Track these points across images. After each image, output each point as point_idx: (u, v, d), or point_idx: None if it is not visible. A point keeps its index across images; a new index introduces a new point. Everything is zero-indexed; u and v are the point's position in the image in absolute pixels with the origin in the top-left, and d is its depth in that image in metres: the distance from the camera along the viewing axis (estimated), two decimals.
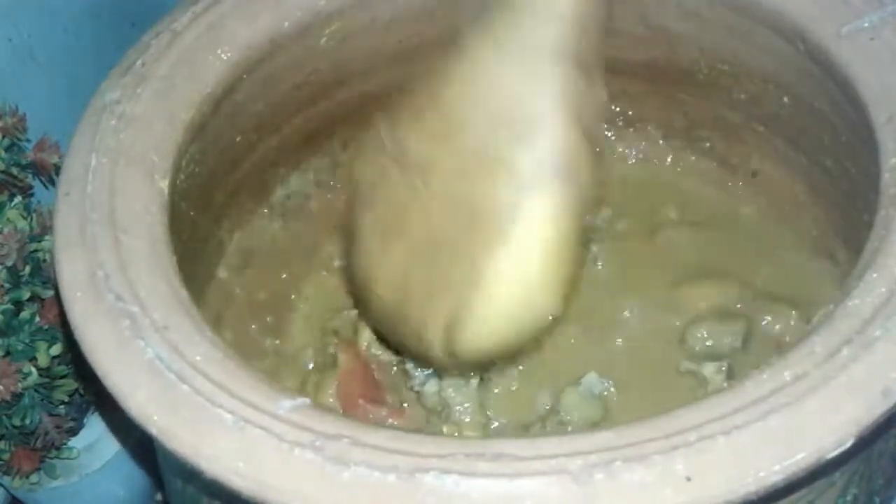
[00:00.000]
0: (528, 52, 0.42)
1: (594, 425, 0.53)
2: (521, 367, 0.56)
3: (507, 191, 0.42)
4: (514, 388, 0.56)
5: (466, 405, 0.54)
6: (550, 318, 0.44)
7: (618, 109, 0.66)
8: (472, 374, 0.54)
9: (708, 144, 0.63)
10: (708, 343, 0.56)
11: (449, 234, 0.44)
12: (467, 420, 0.54)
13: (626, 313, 0.58)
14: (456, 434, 0.53)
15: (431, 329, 0.45)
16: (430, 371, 0.55)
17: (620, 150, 0.66)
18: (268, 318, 0.61)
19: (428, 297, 0.45)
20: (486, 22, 0.44)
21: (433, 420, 0.55)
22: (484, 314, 0.43)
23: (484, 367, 0.55)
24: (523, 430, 0.55)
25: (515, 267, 0.42)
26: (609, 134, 0.67)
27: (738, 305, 0.57)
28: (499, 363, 0.55)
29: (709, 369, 0.54)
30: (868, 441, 0.37)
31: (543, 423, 0.54)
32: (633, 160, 0.66)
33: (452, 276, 0.44)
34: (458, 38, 0.44)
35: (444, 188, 0.44)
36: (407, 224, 0.45)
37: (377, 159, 0.47)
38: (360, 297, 0.51)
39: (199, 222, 0.54)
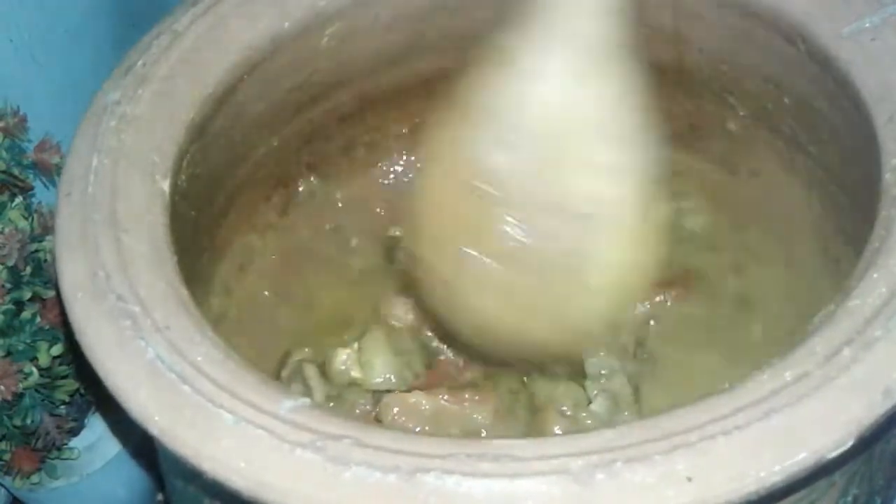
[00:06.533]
0: (580, 50, 0.43)
1: None
2: None
3: (594, 185, 0.43)
4: None
5: None
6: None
7: None
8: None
9: (708, 145, 0.63)
10: None
11: (541, 235, 0.44)
12: None
13: None
14: None
15: (557, 334, 0.46)
16: None
17: None
18: (267, 318, 0.61)
19: (536, 306, 0.46)
20: (527, 25, 0.44)
21: None
22: (591, 302, 0.44)
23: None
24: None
25: (615, 254, 0.43)
26: None
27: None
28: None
29: None
30: (869, 441, 0.37)
31: None
32: None
33: (554, 279, 0.44)
34: (495, 44, 0.44)
35: (524, 192, 0.44)
36: (487, 234, 0.45)
37: (442, 171, 0.47)
38: (449, 319, 0.50)
39: (200, 222, 0.54)
